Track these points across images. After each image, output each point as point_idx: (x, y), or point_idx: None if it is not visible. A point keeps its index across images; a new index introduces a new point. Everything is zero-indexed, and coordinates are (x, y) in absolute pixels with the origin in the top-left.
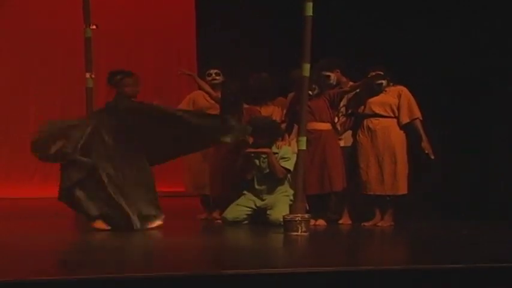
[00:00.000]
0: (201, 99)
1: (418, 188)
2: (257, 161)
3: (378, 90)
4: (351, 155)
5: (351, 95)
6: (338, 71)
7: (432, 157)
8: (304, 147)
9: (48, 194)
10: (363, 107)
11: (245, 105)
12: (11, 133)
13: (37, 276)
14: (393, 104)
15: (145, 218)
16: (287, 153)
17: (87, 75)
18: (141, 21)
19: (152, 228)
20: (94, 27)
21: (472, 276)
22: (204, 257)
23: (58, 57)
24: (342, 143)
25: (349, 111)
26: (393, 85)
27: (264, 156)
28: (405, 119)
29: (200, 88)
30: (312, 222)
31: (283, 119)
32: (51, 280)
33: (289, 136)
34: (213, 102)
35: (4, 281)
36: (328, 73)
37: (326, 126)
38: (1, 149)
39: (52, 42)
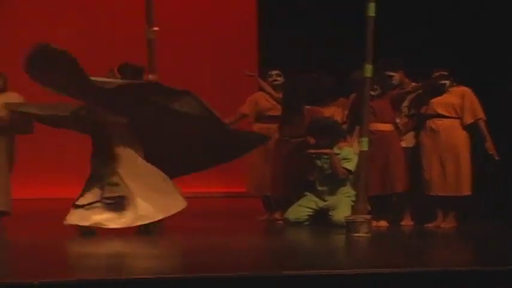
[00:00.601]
0: (263, 100)
1: (481, 189)
2: (319, 162)
3: (441, 90)
4: (413, 155)
5: (413, 95)
6: (402, 71)
7: (497, 158)
8: (366, 148)
9: None
10: (425, 107)
11: (306, 106)
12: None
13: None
14: (456, 105)
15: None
16: (349, 154)
17: (150, 76)
18: (202, 22)
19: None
20: (156, 28)
21: None
22: (266, 258)
23: (115, 58)
24: (403, 144)
25: (412, 112)
26: (456, 86)
27: (325, 157)
28: (469, 120)
29: (262, 89)
30: (374, 223)
31: (344, 119)
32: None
33: (350, 137)
34: (274, 103)
35: (67, 281)
36: (392, 73)
37: (388, 127)
38: (47, 150)
39: (110, 43)
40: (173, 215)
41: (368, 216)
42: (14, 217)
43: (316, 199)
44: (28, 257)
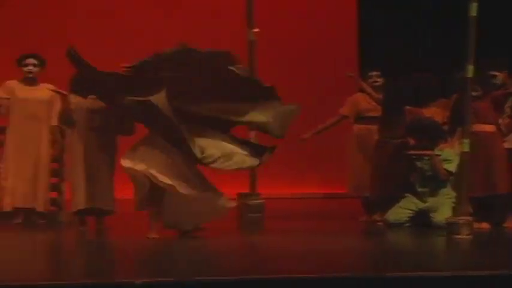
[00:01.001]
0: (363, 101)
1: None
2: (419, 163)
3: None
4: None
5: None
6: (506, 71)
7: None
8: (467, 150)
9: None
10: None
11: (407, 107)
12: None
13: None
14: None
15: None
16: (450, 155)
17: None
18: (302, 23)
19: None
20: (257, 30)
21: None
22: (366, 259)
23: None
24: (506, 145)
25: None
26: None
27: (426, 158)
28: None
29: (362, 90)
30: (476, 225)
31: (444, 120)
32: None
33: (451, 138)
34: (374, 104)
35: (167, 281)
36: (495, 73)
37: (490, 128)
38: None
39: (211, 45)
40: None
41: (470, 218)
42: (118, 216)
43: (416, 200)
44: (130, 256)
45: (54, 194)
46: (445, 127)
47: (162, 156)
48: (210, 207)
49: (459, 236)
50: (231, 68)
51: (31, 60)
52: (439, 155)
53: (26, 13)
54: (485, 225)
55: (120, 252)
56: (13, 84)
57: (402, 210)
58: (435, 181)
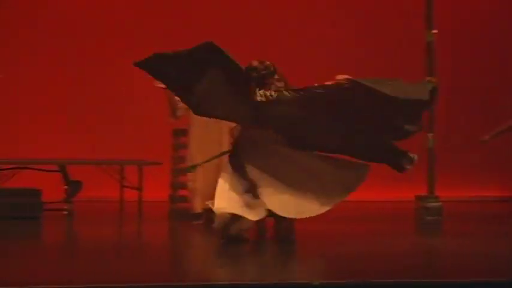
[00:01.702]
0: None
1: None
2: None
3: None
4: None
5: None
6: None
7: None
8: None
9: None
10: None
11: None
12: None
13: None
14: None
15: None
16: None
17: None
18: (481, 23)
19: None
20: (435, 31)
21: None
22: None
23: (391, 61)
24: None
25: None
26: None
27: None
28: None
29: None
30: None
31: None
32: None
33: None
34: None
35: (349, 282)
36: None
37: None
38: None
39: (384, 45)
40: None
41: None
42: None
43: None
44: (308, 256)
45: None
46: None
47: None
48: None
49: None
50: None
51: None
52: None
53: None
54: None
55: (294, 254)
56: None
57: None
58: None
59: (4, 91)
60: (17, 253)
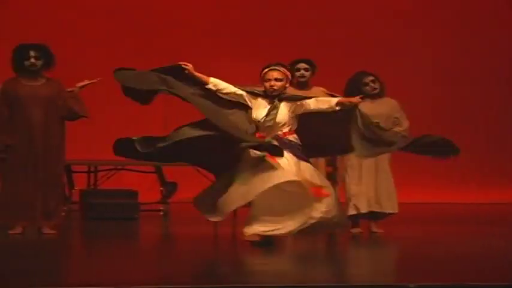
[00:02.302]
0: None
1: None
2: None
3: None
4: None
5: None
6: None
7: None
8: None
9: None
10: None
11: None
12: None
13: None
14: None
15: None
16: None
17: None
18: None
19: None
20: None
21: None
22: None
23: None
24: None
25: None
26: None
27: None
28: None
29: None
30: None
31: None
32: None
33: None
34: None
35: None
36: None
37: None
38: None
39: None
40: None
41: None
42: (393, 219)
43: None
44: (401, 258)
45: None
46: None
47: None
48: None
49: None
50: None
51: (303, 65)
52: None
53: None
54: None
55: (392, 255)
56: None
57: None
58: None
59: (101, 94)
60: (116, 253)
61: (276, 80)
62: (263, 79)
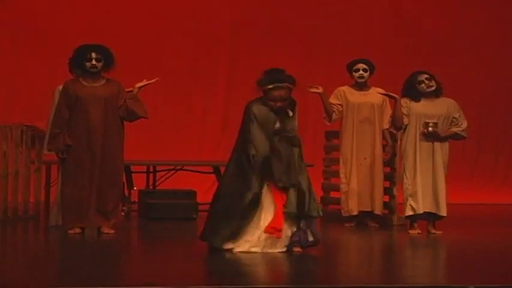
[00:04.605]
0: None
1: None
2: None
3: None
4: None
5: None
6: None
7: None
8: None
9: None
10: None
11: None
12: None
13: None
14: None
15: None
16: None
17: None
18: None
19: None
20: None
21: None
22: None
23: None
24: None
25: None
26: None
27: None
28: None
29: None
30: None
31: None
32: None
33: None
34: None
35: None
36: None
37: None
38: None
39: None
40: None
41: None
42: (449, 221)
43: None
44: (461, 259)
45: (385, 198)
46: None
47: None
48: None
49: None
50: None
51: (362, 66)
52: None
53: None
54: None
55: (445, 257)
56: (345, 89)
57: None
58: None
59: (159, 95)
60: (174, 253)
61: (281, 99)
62: (267, 97)
